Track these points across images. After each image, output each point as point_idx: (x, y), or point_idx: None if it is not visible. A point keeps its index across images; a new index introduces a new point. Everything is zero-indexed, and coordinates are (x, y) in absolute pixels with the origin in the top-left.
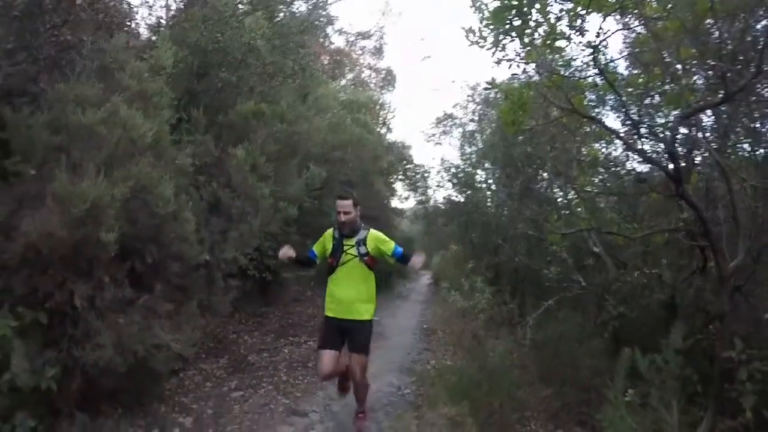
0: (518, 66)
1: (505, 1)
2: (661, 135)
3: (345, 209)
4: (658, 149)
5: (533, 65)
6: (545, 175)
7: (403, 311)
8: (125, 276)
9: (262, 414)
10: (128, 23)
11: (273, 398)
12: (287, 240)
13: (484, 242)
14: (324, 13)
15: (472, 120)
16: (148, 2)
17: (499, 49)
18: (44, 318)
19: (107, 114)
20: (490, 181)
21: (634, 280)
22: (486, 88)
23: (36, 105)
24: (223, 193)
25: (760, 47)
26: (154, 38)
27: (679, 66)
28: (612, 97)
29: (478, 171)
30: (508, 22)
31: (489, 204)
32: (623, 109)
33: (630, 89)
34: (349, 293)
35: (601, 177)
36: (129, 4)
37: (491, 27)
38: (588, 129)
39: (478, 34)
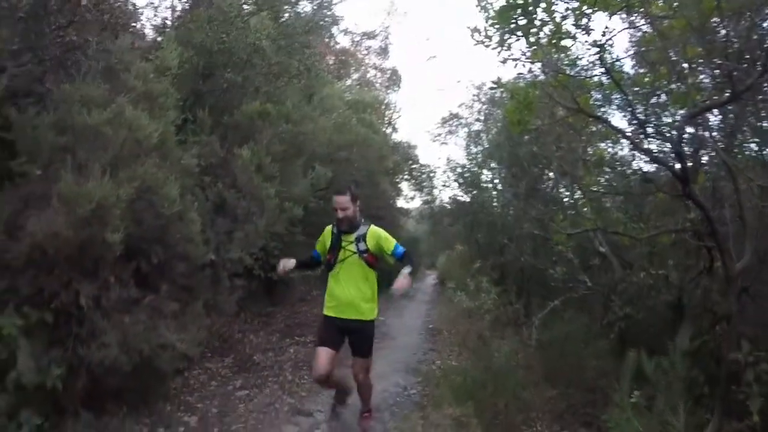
0: (524, 65)
1: (511, 1)
2: (668, 134)
3: (342, 205)
4: (665, 149)
5: (539, 64)
6: (551, 174)
7: (409, 311)
8: (131, 276)
9: (267, 413)
10: (133, 24)
11: (278, 397)
12: (293, 240)
13: (489, 242)
14: (329, 13)
15: (477, 120)
16: (153, 3)
17: (505, 48)
18: (50, 317)
19: (113, 115)
20: (495, 180)
21: (640, 280)
22: (491, 88)
23: (42, 106)
24: (229, 193)
25: (766, 46)
26: (159, 39)
27: (685, 65)
28: (618, 96)
29: (484, 171)
30: (514, 21)
31: (495, 204)
32: (629, 109)
33: (636, 88)
34: (349, 292)
35: (607, 177)
36: (134, 5)
37: (497, 26)
38: (594, 128)
39: (483, 33)
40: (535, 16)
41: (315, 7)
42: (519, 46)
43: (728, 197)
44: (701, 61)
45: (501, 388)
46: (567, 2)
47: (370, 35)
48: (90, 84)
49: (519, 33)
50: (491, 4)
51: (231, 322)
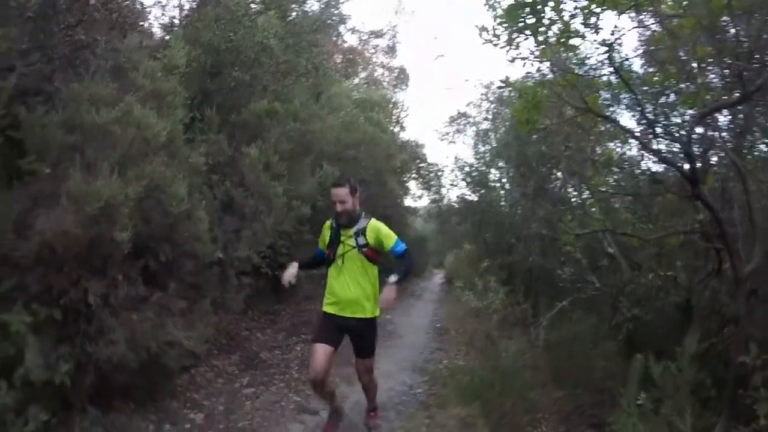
0: (532, 64)
1: None
2: (677, 135)
3: (341, 197)
4: (674, 149)
5: (547, 63)
6: (559, 174)
7: (417, 310)
8: (139, 274)
9: (273, 411)
10: (141, 23)
11: (284, 395)
12: (301, 238)
13: (497, 241)
14: (336, 11)
15: (485, 119)
16: (161, 2)
17: (513, 47)
18: (58, 314)
19: (121, 113)
20: (503, 180)
21: (648, 281)
22: (500, 87)
23: (50, 104)
24: (237, 192)
25: None
26: (167, 38)
27: (695, 64)
28: (627, 95)
29: (492, 170)
30: (522, 20)
31: (503, 203)
32: (638, 108)
33: (645, 88)
34: (350, 288)
35: (615, 177)
36: (142, 4)
37: (505, 25)
38: (602, 128)
39: (491, 32)
40: (543, 15)
41: (322, 6)
42: (527, 45)
43: (737, 198)
44: (711, 60)
45: (508, 388)
46: (575, 1)
47: (378, 34)
48: (98, 83)
49: (527, 32)
50: (499, 2)
51: (238, 319)
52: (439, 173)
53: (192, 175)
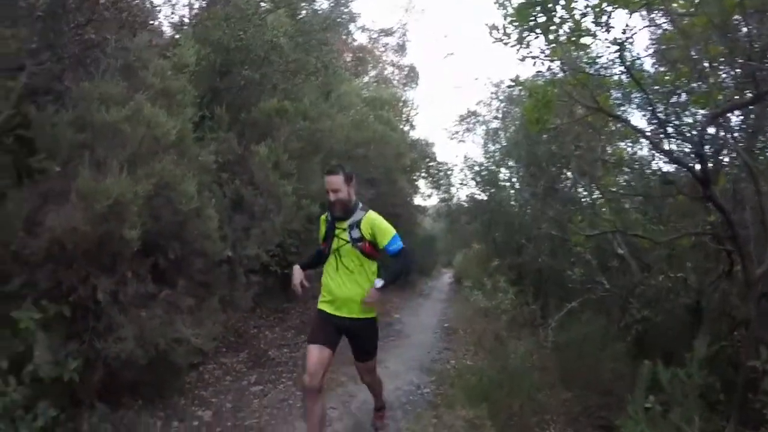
0: (543, 63)
1: None
2: (689, 135)
3: (334, 186)
4: (685, 149)
5: (558, 62)
6: (569, 174)
7: (425, 309)
8: (148, 271)
9: (280, 409)
10: (151, 22)
11: (292, 394)
12: (310, 237)
13: (507, 241)
14: (346, 10)
15: (495, 117)
16: (171, 1)
17: (524, 46)
18: (68, 311)
19: (131, 112)
20: (513, 179)
21: (658, 283)
22: (510, 86)
23: (60, 103)
24: (246, 190)
25: None
26: (177, 36)
27: (706, 63)
28: (638, 95)
29: (502, 169)
30: (533, 18)
31: (512, 203)
32: (649, 108)
33: (656, 87)
34: (346, 286)
35: (626, 177)
36: (152, 2)
37: (515, 24)
38: (613, 128)
39: (502, 31)
40: (554, 13)
41: (332, 4)
42: (538, 43)
43: (749, 200)
44: (723, 60)
45: (516, 389)
46: None
47: (388, 32)
48: (108, 82)
49: (538, 30)
50: (510, 1)
51: (246, 317)
52: (449, 172)
53: (201, 174)
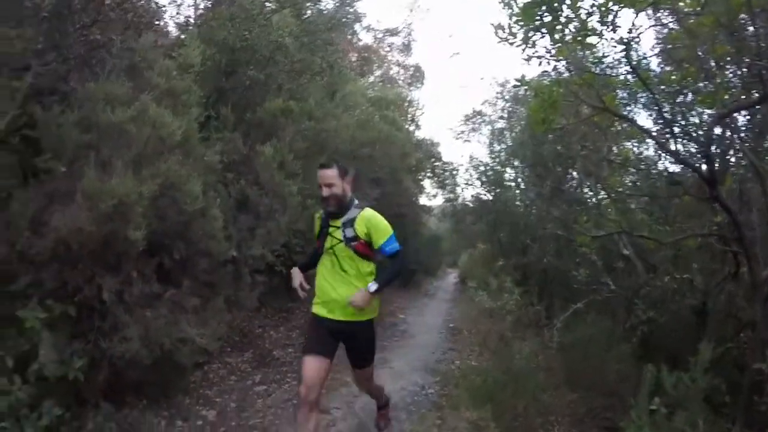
0: (548, 63)
1: None
2: (695, 135)
3: (327, 181)
4: (691, 149)
5: (564, 62)
6: (575, 174)
7: (430, 309)
8: (153, 271)
9: (285, 409)
10: (157, 22)
11: (296, 393)
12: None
13: (512, 242)
14: (351, 10)
15: (501, 117)
16: (176, 1)
17: (529, 45)
18: (73, 311)
19: (136, 112)
20: (519, 179)
21: (664, 284)
22: (515, 86)
23: (66, 104)
24: (251, 190)
25: None
26: (182, 37)
27: (713, 63)
28: (644, 94)
29: (507, 169)
30: (539, 18)
31: (518, 203)
32: (656, 107)
33: (662, 87)
34: (339, 288)
35: (632, 177)
36: (157, 3)
37: (521, 23)
38: (619, 128)
39: (507, 30)
40: (560, 12)
41: (337, 4)
42: (543, 43)
43: (756, 201)
44: (730, 59)
45: (521, 390)
46: None
47: (393, 32)
48: (114, 82)
49: (543, 30)
50: (515, 0)
51: (251, 317)
52: (454, 172)
53: (207, 174)
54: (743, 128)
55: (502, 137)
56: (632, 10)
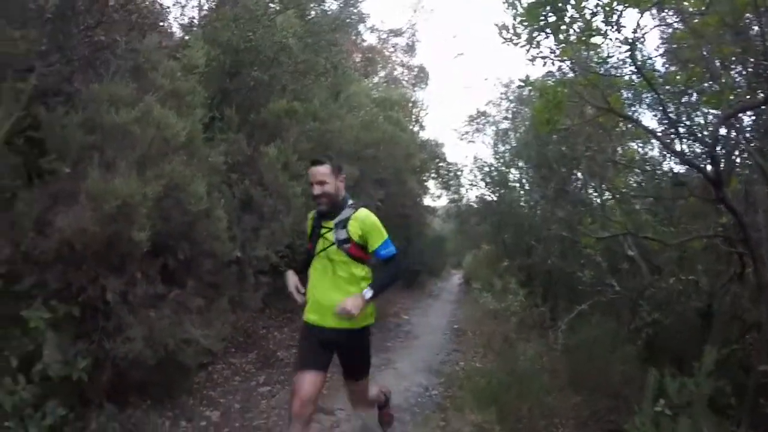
0: (553, 63)
1: None
2: (700, 135)
3: (319, 178)
4: (696, 150)
5: (568, 62)
6: (579, 175)
7: (434, 310)
8: (157, 272)
9: (288, 410)
10: (161, 23)
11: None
12: None
13: (516, 243)
14: (355, 10)
15: (505, 118)
16: (180, 2)
17: (534, 46)
18: (77, 311)
19: (141, 113)
20: (523, 180)
21: (669, 286)
22: (520, 86)
23: (70, 105)
24: (255, 191)
25: None
26: (186, 38)
27: (718, 63)
28: (649, 95)
29: (512, 170)
30: (543, 18)
31: (522, 204)
32: (660, 108)
33: (667, 87)
34: (331, 293)
35: (637, 178)
36: (161, 4)
37: (525, 23)
38: (624, 128)
39: (511, 30)
40: (564, 12)
41: (341, 5)
42: (548, 43)
43: (762, 202)
44: (735, 59)
45: (525, 391)
46: None
47: (397, 32)
48: (118, 83)
49: (548, 30)
50: (520, 1)
51: (255, 318)
52: (459, 173)
53: (211, 174)
54: (749, 129)
55: (507, 138)
56: (637, 9)
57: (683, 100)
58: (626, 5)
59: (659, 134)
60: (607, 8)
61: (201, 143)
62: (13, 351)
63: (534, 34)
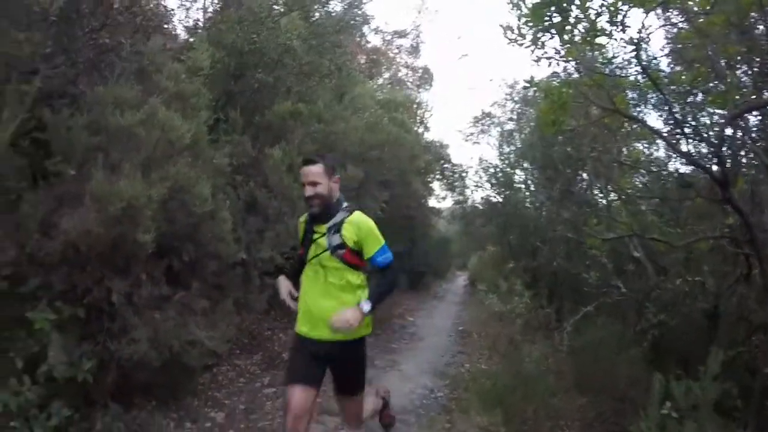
0: (558, 64)
1: None
2: (706, 135)
3: (311, 178)
4: (702, 150)
5: (573, 63)
6: (585, 176)
7: (439, 312)
8: (162, 273)
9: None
10: (165, 26)
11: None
12: None
13: (522, 244)
14: (360, 12)
15: (510, 119)
16: (184, 5)
17: (538, 46)
18: (82, 313)
19: (145, 115)
20: (528, 181)
21: (675, 287)
22: (524, 87)
23: (75, 107)
24: (260, 192)
25: None
26: (191, 40)
27: (724, 63)
28: (654, 95)
29: (517, 171)
30: (548, 18)
31: (527, 205)
32: (666, 108)
33: (673, 87)
34: (324, 303)
35: (642, 179)
36: (166, 6)
37: (530, 24)
38: (629, 129)
39: (516, 31)
40: (569, 13)
41: (345, 7)
42: (553, 44)
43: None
44: (740, 59)
45: (531, 393)
46: None
47: (402, 34)
48: (123, 85)
49: (553, 31)
50: (524, 1)
51: (260, 319)
52: (464, 174)
53: (216, 176)
54: (755, 129)
55: (512, 139)
56: (642, 9)
57: (689, 100)
58: (631, 5)
59: (665, 134)
60: (612, 8)
61: (206, 145)
62: (19, 352)
63: (539, 35)
